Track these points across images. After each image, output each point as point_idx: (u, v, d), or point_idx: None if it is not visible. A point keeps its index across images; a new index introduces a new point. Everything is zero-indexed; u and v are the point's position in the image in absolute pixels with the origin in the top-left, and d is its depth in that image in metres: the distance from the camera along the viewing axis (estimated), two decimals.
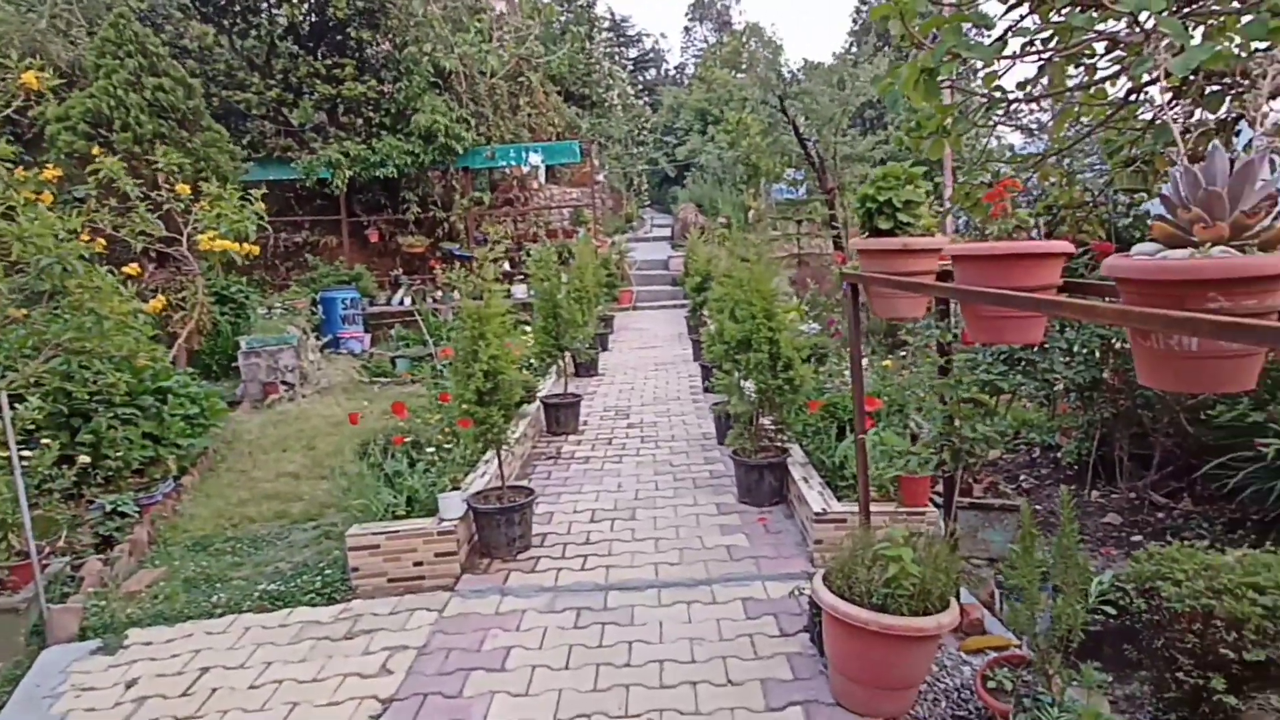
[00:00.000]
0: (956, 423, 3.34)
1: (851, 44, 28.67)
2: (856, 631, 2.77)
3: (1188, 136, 5.47)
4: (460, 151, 12.87)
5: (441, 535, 4.32)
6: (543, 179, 17.00)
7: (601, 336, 11.39)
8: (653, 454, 6.50)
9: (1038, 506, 5.91)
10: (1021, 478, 6.48)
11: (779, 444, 5.32)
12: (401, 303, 13.02)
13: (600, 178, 19.81)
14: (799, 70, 27.27)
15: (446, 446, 5.11)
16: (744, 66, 26.45)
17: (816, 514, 4.20)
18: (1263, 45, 4.65)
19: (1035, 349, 5.25)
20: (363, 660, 3.57)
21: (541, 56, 14.70)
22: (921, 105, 5.65)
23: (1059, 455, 6.53)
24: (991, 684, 2.73)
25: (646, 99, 32.07)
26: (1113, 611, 3.46)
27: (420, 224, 14.00)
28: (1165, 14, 4.40)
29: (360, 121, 12.74)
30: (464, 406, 4.44)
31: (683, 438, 6.94)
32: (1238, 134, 5.93)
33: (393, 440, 5.04)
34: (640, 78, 35.29)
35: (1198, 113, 5.39)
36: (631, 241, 18.45)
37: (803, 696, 3.04)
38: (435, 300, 12.73)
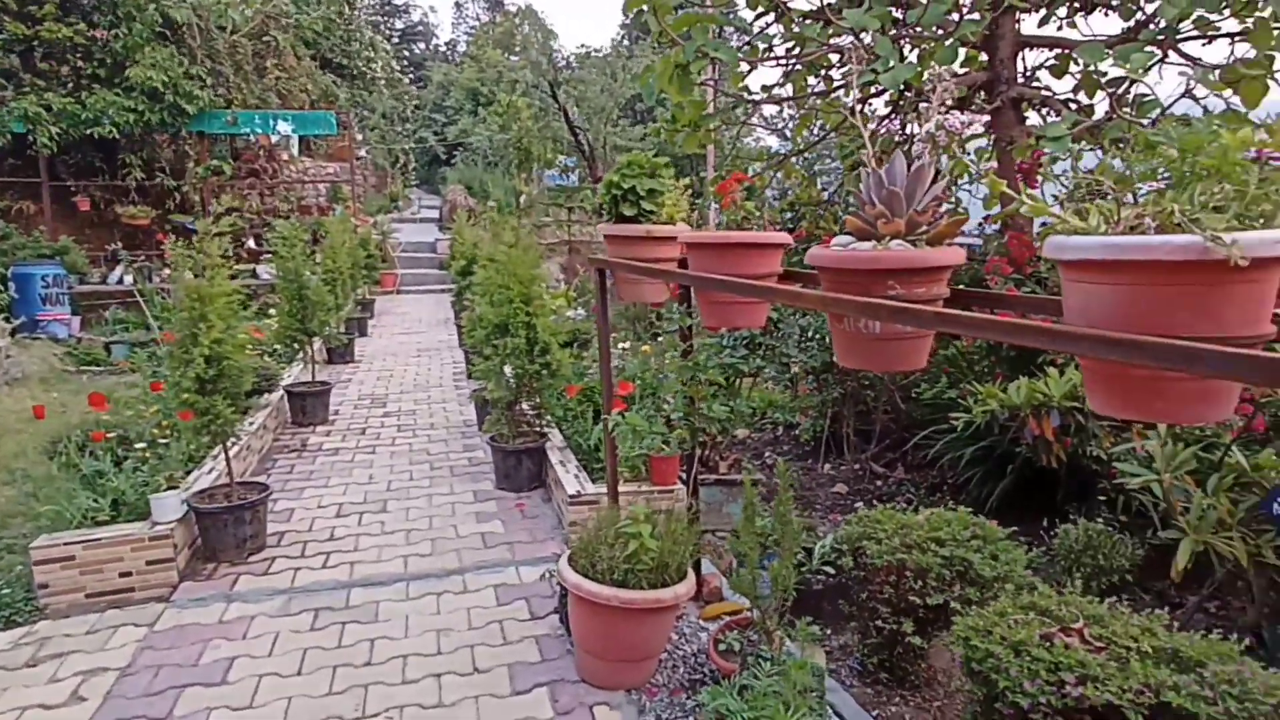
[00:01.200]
0: (697, 404, 3.51)
1: (624, 36, 29.37)
2: (599, 608, 2.83)
3: (910, 145, 6.14)
4: (193, 113, 11.54)
5: (155, 540, 3.84)
6: (295, 151, 15.74)
7: (359, 321, 10.78)
8: (409, 443, 6.24)
9: (777, 481, 6.43)
10: (766, 454, 7.01)
11: (538, 429, 5.33)
12: (120, 281, 11.47)
13: (362, 153, 18.71)
14: (573, 58, 27.49)
15: (163, 441, 4.55)
16: (517, 49, 26.24)
17: (571, 496, 4.25)
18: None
19: (774, 335, 5.68)
20: (48, 690, 3.08)
21: (291, 16, 13.55)
22: (679, 100, 5.90)
23: (798, 433, 7.15)
24: (722, 646, 2.91)
25: (414, 74, 30.75)
26: (832, 571, 3.83)
27: (145, 193, 12.40)
28: (880, 34, 4.90)
29: (66, 70, 11.00)
30: (183, 396, 3.97)
31: (442, 425, 6.74)
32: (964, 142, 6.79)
33: (91, 436, 4.40)
34: (408, 51, 33.76)
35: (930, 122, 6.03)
36: (397, 222, 17.64)
37: (549, 677, 3.06)
38: (162, 279, 11.34)
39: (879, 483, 6.20)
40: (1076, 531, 4.17)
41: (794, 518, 2.71)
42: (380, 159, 21.87)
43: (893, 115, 6.22)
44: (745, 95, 5.88)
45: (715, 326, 2.91)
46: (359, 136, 18.06)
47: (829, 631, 3.68)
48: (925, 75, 5.23)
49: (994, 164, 5.53)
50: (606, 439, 3.42)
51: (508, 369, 5.17)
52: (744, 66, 6.11)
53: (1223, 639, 2.44)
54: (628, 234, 3.21)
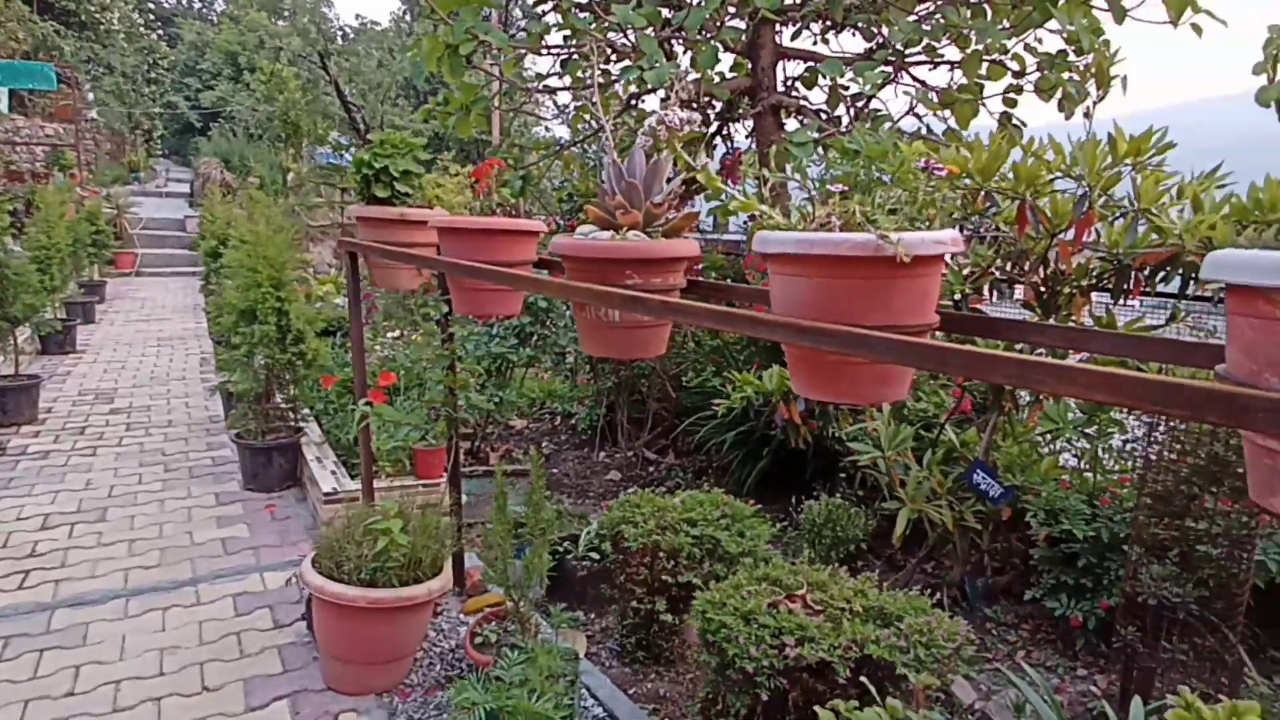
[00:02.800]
0: (455, 394, 3.43)
1: (405, 11, 28.10)
2: (344, 610, 2.68)
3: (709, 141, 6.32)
4: None
5: None
6: (4, 107, 13.50)
7: (84, 306, 9.48)
8: (140, 443, 5.56)
9: (554, 470, 6.46)
10: (544, 444, 7.03)
11: (293, 423, 4.96)
12: None
13: (93, 115, 16.43)
14: (349, 29, 25.86)
15: None
16: (286, 13, 24.24)
17: (327, 494, 4.00)
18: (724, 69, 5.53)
19: (547, 324, 5.69)
20: None
21: None
22: (451, 82, 5.71)
23: (575, 422, 7.24)
24: (479, 639, 2.86)
25: (163, 30, 27.49)
26: (596, 557, 3.91)
27: None
28: (646, 32, 5.03)
29: None
30: None
31: (183, 422, 6.08)
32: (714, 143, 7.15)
33: None
34: (154, 3, 30.10)
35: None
36: (138, 195, 15.71)
37: (291, 689, 2.85)
38: None
39: (651, 469, 6.43)
40: (819, 506, 4.56)
41: (548, 505, 2.72)
42: (118, 123, 19.34)
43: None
44: (520, 82, 5.83)
45: (470, 313, 2.85)
46: (89, 96, 15.85)
47: (594, 616, 3.75)
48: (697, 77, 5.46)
49: (711, 161, 5.87)
50: (361, 432, 3.24)
51: (259, 358, 4.76)
52: (520, 51, 6.06)
53: (921, 594, 2.77)
54: (380, 216, 3.06)
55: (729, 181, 1.65)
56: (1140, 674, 3.24)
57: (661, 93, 6.21)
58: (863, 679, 1.91)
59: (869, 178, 1.54)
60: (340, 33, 23.02)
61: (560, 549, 3.87)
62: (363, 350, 3.23)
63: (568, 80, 6.26)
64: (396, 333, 6.08)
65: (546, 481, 5.92)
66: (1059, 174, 3.40)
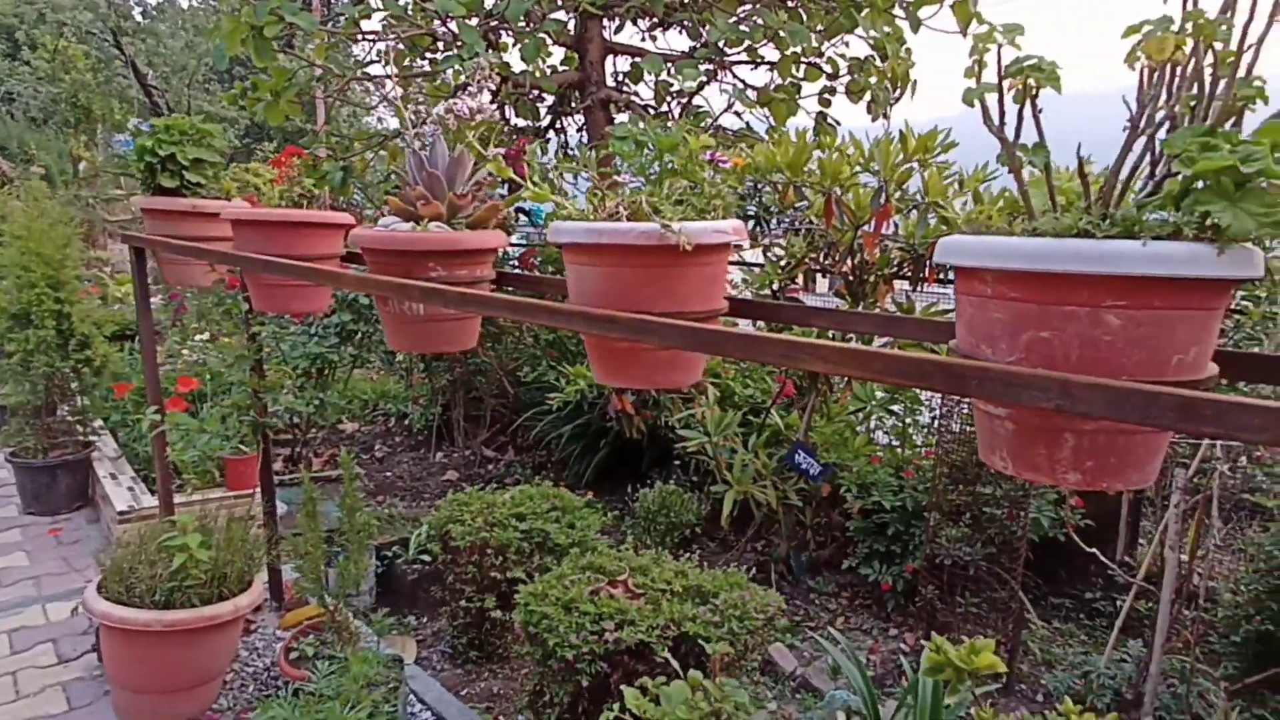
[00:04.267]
0: (261, 397, 3.23)
1: None
2: (137, 636, 2.46)
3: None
4: None
5: None
6: None
7: None
8: None
9: (388, 473, 6.24)
10: (377, 447, 6.76)
11: (81, 437, 4.49)
12: None
13: None
14: (150, 6, 23.66)
15: None
16: None
17: (121, 513, 3.66)
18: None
19: (371, 321, 5.46)
20: None
21: None
22: (261, 65, 5.34)
23: (409, 422, 7.01)
24: (295, 654, 2.71)
25: None
26: (428, 559, 3.80)
27: None
28: (466, 21, 4.93)
29: None
30: None
31: None
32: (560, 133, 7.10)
33: None
34: None
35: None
36: None
37: None
38: None
39: (490, 466, 6.33)
40: (652, 494, 4.66)
41: (364, 509, 2.61)
42: None
43: (493, 103, 6.34)
44: (336, 68, 5.55)
45: (270, 310, 2.69)
46: None
47: (426, 619, 3.65)
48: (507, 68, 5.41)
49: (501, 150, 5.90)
50: (156, 442, 2.98)
51: (37, 367, 4.27)
52: (338, 36, 5.76)
53: (750, 571, 2.91)
54: (169, 208, 2.83)
55: (519, 171, 1.64)
56: (937, 628, 3.54)
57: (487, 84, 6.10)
58: (664, 656, 1.97)
59: (661, 169, 1.58)
60: (139, 8, 21.00)
61: (389, 553, 3.74)
62: (155, 354, 2.97)
63: (392, 69, 6.04)
64: (206, 335, 5.64)
65: (379, 485, 5.71)
66: (860, 169, 3.65)
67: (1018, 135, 1.01)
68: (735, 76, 6.15)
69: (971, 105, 0.92)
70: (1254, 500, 4.40)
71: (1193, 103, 0.99)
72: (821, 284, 5.28)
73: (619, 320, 1.31)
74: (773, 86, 5.80)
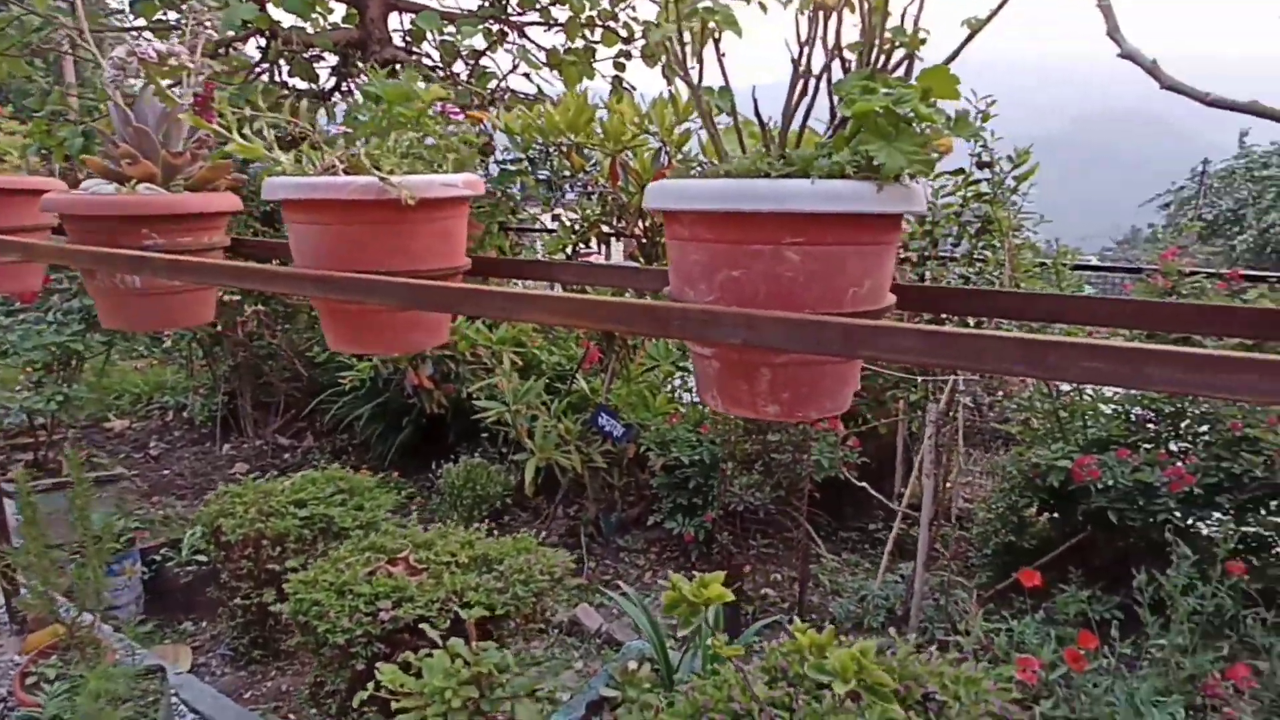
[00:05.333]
0: None
1: None
2: None
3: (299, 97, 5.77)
4: None
5: None
6: None
7: None
8: None
9: (165, 470, 5.70)
10: (152, 444, 6.16)
11: None
12: None
13: None
14: None
15: None
16: None
17: None
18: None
19: None
20: None
21: None
22: None
23: (190, 415, 6.43)
24: (33, 679, 2.41)
25: None
26: (204, 559, 3.51)
27: None
28: None
29: None
30: None
31: None
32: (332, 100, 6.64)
33: None
34: None
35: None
36: None
37: None
38: None
39: (287, 455, 5.95)
40: (457, 469, 4.56)
41: (91, 511, 2.35)
42: None
43: (262, 60, 5.85)
44: (58, 18, 4.87)
45: None
46: None
47: (204, 623, 3.38)
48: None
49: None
50: None
51: None
52: None
53: (558, 536, 2.91)
54: None
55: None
56: (733, 569, 3.73)
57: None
58: (443, 628, 1.93)
59: (390, 121, 1.49)
60: None
61: (159, 557, 3.42)
62: None
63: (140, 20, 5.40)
64: None
65: (154, 485, 5.20)
66: (638, 130, 3.69)
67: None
68: (527, 38, 6.03)
69: (657, 49, 0.92)
70: (1005, 429, 4.96)
71: (860, 49, 1.04)
72: (617, 248, 5.35)
73: (335, 281, 1.23)
74: (564, 49, 5.74)
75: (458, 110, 1.51)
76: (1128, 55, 0.83)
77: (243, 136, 1.41)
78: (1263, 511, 3.43)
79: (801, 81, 0.98)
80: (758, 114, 0.99)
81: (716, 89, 1.01)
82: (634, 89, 6.38)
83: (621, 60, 6.20)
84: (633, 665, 2.37)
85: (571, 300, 1.02)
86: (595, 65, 6.04)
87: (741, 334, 0.94)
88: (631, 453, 4.54)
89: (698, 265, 1.04)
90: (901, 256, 4.11)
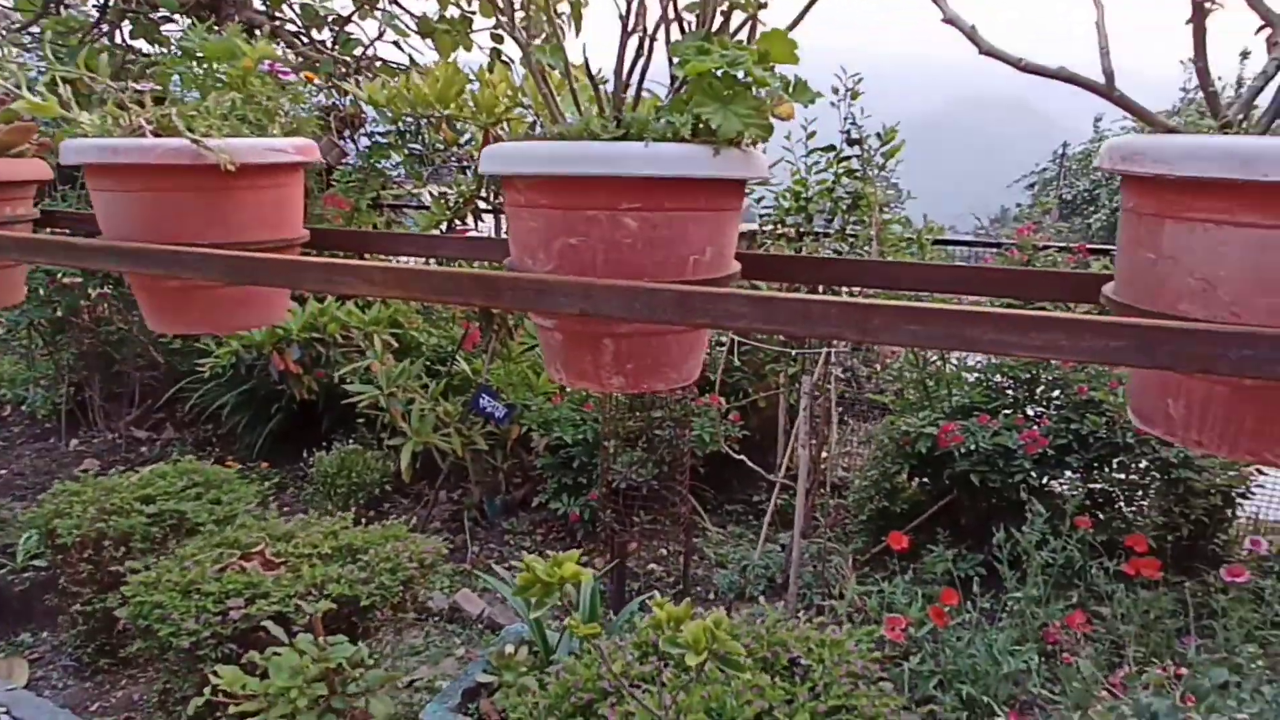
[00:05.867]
0: None
1: None
2: None
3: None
4: None
5: None
6: None
7: None
8: None
9: (3, 470, 5.22)
10: None
11: None
12: None
13: None
14: None
15: None
16: None
17: None
18: None
19: None
20: None
21: None
22: None
23: (30, 408, 5.90)
24: None
25: None
26: (43, 564, 3.23)
27: None
28: None
29: None
30: None
31: None
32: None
33: None
34: None
35: None
36: None
37: None
38: None
39: (144, 448, 5.55)
40: (329, 456, 4.37)
41: None
42: None
43: (101, 21, 5.36)
44: None
45: None
46: None
47: (44, 633, 3.11)
48: None
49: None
50: None
51: None
52: None
53: (441, 522, 2.81)
54: None
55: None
56: (617, 547, 3.74)
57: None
58: (301, 623, 1.83)
59: (211, 81, 1.37)
60: None
61: None
62: None
63: None
64: None
65: None
66: (515, 105, 3.59)
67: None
68: (398, 4, 5.77)
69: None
70: (880, 399, 5.15)
71: (698, 10, 1.02)
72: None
73: (133, 252, 1.12)
74: (436, 18, 5.52)
75: (288, 71, 1.40)
76: (949, 20, 0.83)
77: (33, 94, 1.26)
78: (1106, 469, 3.69)
79: (637, 41, 0.95)
80: (590, 74, 0.95)
81: (548, 46, 0.96)
82: (513, 62, 6.21)
83: (499, 32, 6.02)
84: (510, 649, 2.33)
85: (394, 270, 0.95)
86: (473, 36, 5.84)
87: (578, 303, 0.91)
88: (516, 434, 4.47)
89: (535, 233, 0.99)
90: (779, 233, 4.19)
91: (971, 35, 0.82)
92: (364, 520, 2.58)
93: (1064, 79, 0.79)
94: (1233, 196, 0.72)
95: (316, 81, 4.44)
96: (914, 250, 3.87)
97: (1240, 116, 0.82)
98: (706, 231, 0.99)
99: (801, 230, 4.17)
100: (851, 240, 3.91)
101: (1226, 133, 0.81)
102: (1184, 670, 2.19)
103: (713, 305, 0.85)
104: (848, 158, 3.81)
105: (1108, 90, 0.75)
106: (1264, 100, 0.85)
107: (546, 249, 0.98)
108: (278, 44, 5.77)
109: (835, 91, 3.78)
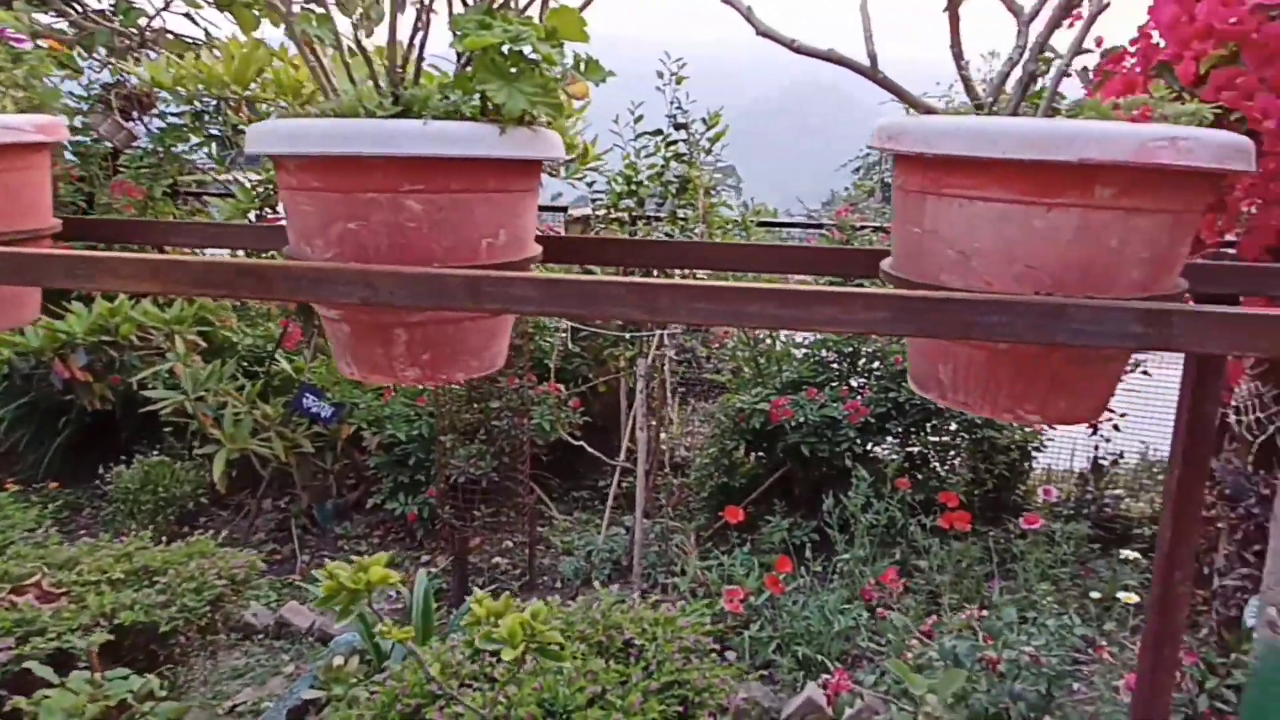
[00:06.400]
0: None
1: None
2: None
3: None
4: None
5: None
6: None
7: None
8: None
9: None
10: None
11: None
12: None
13: None
14: None
15: None
16: None
17: None
18: None
19: None
20: None
21: None
22: None
23: None
24: None
25: None
26: None
27: None
28: None
29: None
30: None
31: None
32: None
33: None
34: None
35: None
36: None
37: None
38: None
39: None
40: (131, 471, 3.98)
41: None
42: None
43: None
44: None
45: None
46: None
47: None
48: None
49: None
50: None
51: None
52: None
53: (266, 532, 2.59)
54: None
55: None
56: (457, 543, 3.64)
57: None
58: (84, 660, 1.64)
59: None
60: None
61: None
62: None
63: None
64: None
65: None
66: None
67: None
68: None
69: None
70: (720, 379, 5.29)
71: None
72: None
73: None
74: None
75: (23, 39, 1.22)
76: (726, 1, 0.84)
77: None
78: (922, 433, 3.98)
79: (415, 13, 0.89)
80: (360, 47, 0.88)
81: (313, 16, 0.88)
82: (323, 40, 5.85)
83: (310, 9, 5.66)
84: (339, 660, 2.21)
85: (146, 261, 0.85)
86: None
87: (358, 292, 0.85)
88: (346, 433, 4.25)
89: (311, 217, 0.92)
90: (612, 216, 4.20)
91: (748, 17, 0.83)
92: (171, 538, 2.35)
93: (833, 60, 0.81)
94: (982, 173, 0.77)
95: (97, 56, 3.98)
96: (740, 233, 3.99)
97: (991, 99, 0.88)
98: (498, 214, 0.95)
99: (635, 214, 4.20)
100: (681, 223, 3.98)
101: (979, 114, 0.86)
102: (984, 612, 2.40)
103: (501, 290, 0.82)
104: (674, 142, 3.86)
105: (871, 72, 0.78)
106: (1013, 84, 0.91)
107: (324, 235, 0.91)
108: (49, 12, 5.14)
109: (660, 76, 3.83)
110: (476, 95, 0.88)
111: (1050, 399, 0.84)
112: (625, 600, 1.94)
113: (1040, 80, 0.87)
